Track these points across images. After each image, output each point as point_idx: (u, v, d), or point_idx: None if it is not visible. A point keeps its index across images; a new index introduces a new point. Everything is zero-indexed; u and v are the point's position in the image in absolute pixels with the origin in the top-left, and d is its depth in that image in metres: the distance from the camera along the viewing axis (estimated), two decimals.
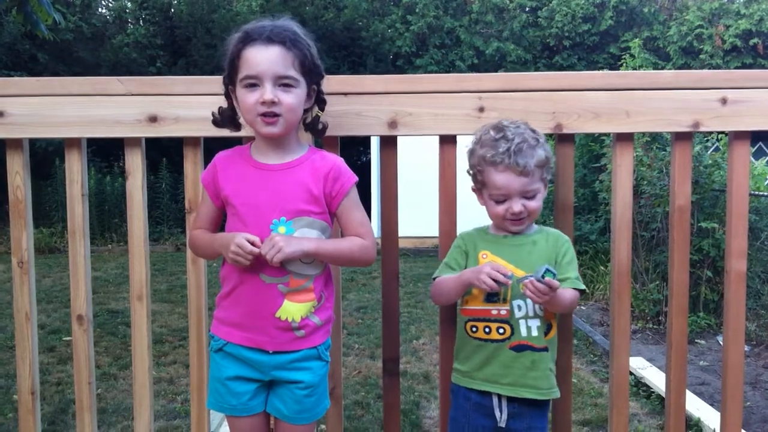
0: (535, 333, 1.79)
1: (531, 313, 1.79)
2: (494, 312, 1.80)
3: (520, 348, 1.79)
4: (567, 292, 1.76)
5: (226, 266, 1.75)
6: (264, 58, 1.64)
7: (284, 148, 1.74)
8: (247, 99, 1.66)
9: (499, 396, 1.81)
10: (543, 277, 1.66)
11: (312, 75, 1.73)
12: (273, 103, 1.64)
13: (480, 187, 1.84)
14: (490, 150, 1.76)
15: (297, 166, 1.73)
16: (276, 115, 1.65)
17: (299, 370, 1.74)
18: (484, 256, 1.82)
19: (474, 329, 1.83)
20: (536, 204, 1.79)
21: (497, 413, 1.81)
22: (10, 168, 2.04)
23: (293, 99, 1.67)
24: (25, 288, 2.06)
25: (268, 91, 1.64)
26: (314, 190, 1.70)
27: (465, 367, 1.86)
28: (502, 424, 1.81)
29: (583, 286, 1.81)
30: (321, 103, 1.82)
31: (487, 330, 1.81)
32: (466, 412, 1.84)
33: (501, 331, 1.79)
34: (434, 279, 1.90)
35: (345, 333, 5.45)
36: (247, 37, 1.67)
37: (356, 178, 1.77)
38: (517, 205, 1.77)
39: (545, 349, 1.81)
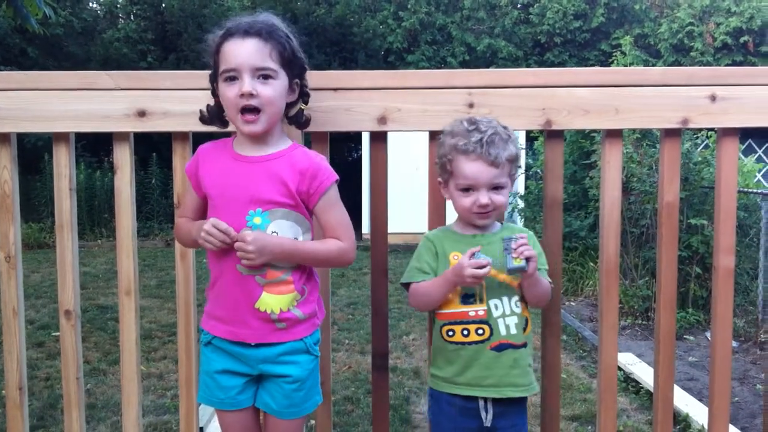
0: (514, 330, 1.79)
1: (508, 311, 1.79)
2: (471, 313, 1.79)
3: (501, 347, 1.78)
4: (542, 278, 1.81)
5: (209, 258, 1.76)
6: (241, 51, 1.64)
7: (266, 142, 1.73)
8: (228, 93, 1.66)
9: (485, 398, 1.81)
10: (510, 240, 1.71)
11: (293, 67, 1.71)
12: (251, 95, 1.63)
13: (447, 177, 1.83)
14: (462, 139, 1.77)
15: (275, 159, 1.71)
16: (257, 110, 1.65)
17: (287, 364, 1.74)
18: (456, 257, 1.80)
19: (451, 333, 1.81)
20: (503, 198, 1.79)
21: (483, 414, 1.81)
22: None
23: (272, 91, 1.66)
24: (12, 282, 2.05)
25: (246, 83, 1.63)
26: (290, 185, 1.69)
27: (444, 372, 1.84)
28: (488, 424, 1.81)
29: (550, 280, 1.85)
30: (305, 96, 1.81)
31: (465, 332, 1.79)
32: (452, 417, 1.83)
33: (480, 332, 1.78)
34: (404, 284, 1.88)
35: (335, 329, 5.45)
36: (225, 33, 1.68)
37: (336, 177, 1.74)
38: (484, 197, 1.76)
39: (524, 346, 1.81)
